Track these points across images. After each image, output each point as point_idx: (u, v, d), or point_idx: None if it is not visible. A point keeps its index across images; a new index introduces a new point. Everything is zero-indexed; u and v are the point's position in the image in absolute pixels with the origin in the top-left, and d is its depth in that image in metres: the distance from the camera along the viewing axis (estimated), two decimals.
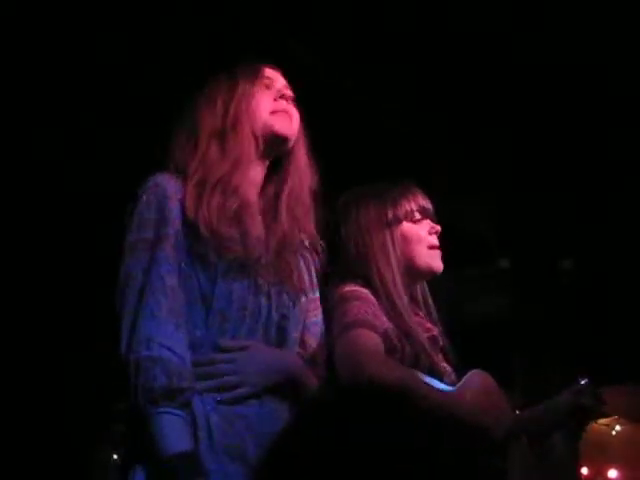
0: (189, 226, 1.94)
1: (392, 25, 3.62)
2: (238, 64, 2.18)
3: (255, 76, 2.13)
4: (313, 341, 2.15)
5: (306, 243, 2.16)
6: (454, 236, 2.56)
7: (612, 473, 7.06)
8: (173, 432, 1.78)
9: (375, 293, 2.36)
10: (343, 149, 3.73)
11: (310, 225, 2.16)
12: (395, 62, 3.81)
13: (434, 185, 2.60)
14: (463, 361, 2.45)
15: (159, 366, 1.79)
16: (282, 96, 2.12)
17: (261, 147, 2.08)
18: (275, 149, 2.12)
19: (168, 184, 1.97)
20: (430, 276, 2.49)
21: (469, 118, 4.22)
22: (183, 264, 1.92)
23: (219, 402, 1.88)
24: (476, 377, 2.36)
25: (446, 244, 2.51)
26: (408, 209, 2.46)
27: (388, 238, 2.43)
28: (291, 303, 2.05)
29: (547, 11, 3.53)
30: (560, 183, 4.75)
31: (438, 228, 2.49)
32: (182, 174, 2.01)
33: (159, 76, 3.69)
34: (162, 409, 1.78)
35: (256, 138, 2.07)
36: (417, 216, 2.47)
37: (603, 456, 7.06)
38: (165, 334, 1.83)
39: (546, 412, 2.38)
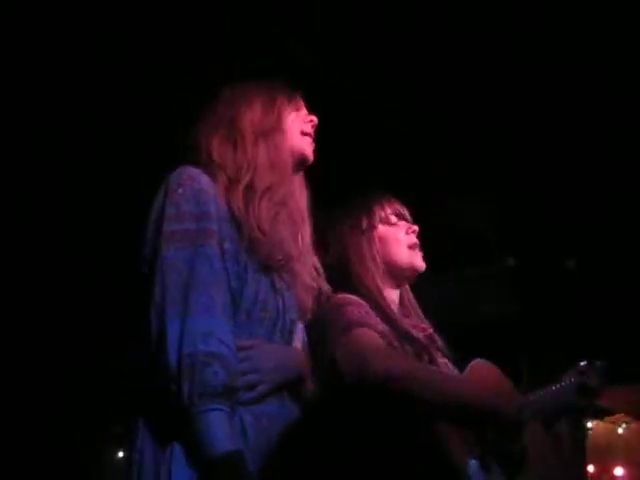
0: (225, 223, 1.94)
1: (392, 25, 3.62)
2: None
3: (291, 95, 2.20)
4: (298, 343, 2.13)
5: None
6: (455, 236, 2.56)
7: (618, 471, 7.07)
8: (226, 430, 1.75)
9: (365, 300, 2.38)
10: (343, 149, 3.73)
11: (310, 243, 2.19)
12: (395, 62, 3.81)
13: (434, 185, 2.60)
14: (466, 361, 2.45)
15: (219, 362, 1.75)
16: (310, 121, 2.20)
17: (293, 162, 2.15)
18: (297, 168, 2.18)
19: (202, 179, 1.97)
20: (413, 275, 2.53)
21: (469, 118, 4.21)
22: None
23: (245, 402, 1.86)
24: (479, 365, 2.38)
25: (447, 244, 2.52)
26: (382, 214, 2.52)
27: (365, 245, 2.47)
28: (297, 308, 2.08)
29: (547, 11, 3.52)
30: (562, 182, 4.74)
31: (415, 228, 2.54)
32: (218, 169, 2.02)
33: (159, 76, 3.69)
34: (217, 406, 1.74)
35: (293, 152, 2.14)
36: (393, 219, 2.52)
37: (609, 454, 7.07)
38: (222, 330, 1.81)
39: (553, 393, 2.39)
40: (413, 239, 2.52)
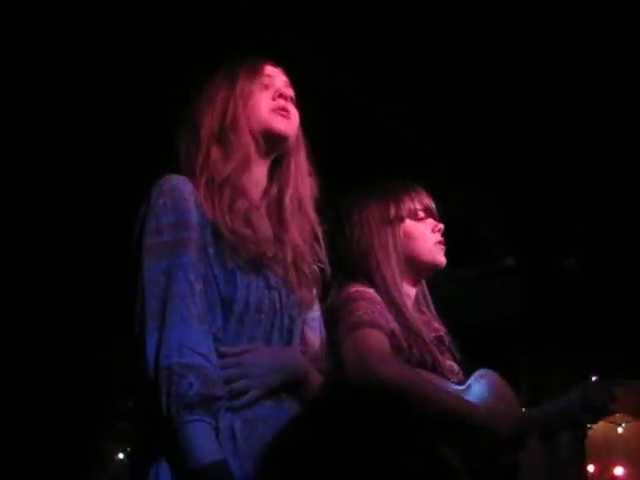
0: (207, 228, 1.93)
1: (392, 25, 3.61)
2: (238, 61, 2.18)
3: (254, 74, 2.13)
4: (312, 335, 2.15)
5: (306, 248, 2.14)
6: (456, 235, 2.55)
7: (618, 470, 7.04)
8: (207, 441, 1.74)
9: (378, 292, 2.36)
10: (343, 149, 3.73)
11: (310, 234, 2.14)
12: (395, 62, 3.80)
13: (434, 185, 2.59)
14: (467, 361, 2.45)
15: (194, 373, 1.75)
16: (281, 95, 2.12)
17: (262, 146, 2.08)
18: (275, 148, 2.11)
19: (183, 186, 1.95)
20: (433, 270, 2.51)
21: (469, 118, 4.21)
22: (204, 268, 1.90)
23: (237, 408, 1.86)
24: (485, 377, 2.38)
25: (447, 244, 2.51)
26: (411, 207, 2.48)
27: (390, 236, 2.44)
28: (296, 304, 2.06)
29: (547, 11, 3.52)
30: (563, 182, 4.74)
31: (441, 226, 2.51)
32: (192, 176, 2.00)
33: (158, 76, 3.69)
34: (196, 417, 1.74)
35: (256, 137, 2.07)
36: (420, 214, 2.49)
37: (609, 454, 7.04)
38: (197, 341, 1.79)
39: (559, 410, 2.37)
40: (438, 237, 2.49)
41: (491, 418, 2.24)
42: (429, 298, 2.55)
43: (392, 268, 2.40)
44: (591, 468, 6.63)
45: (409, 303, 2.44)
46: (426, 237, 2.47)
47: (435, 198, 2.56)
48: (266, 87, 2.12)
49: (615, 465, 7.06)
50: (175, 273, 1.85)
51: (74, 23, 3.53)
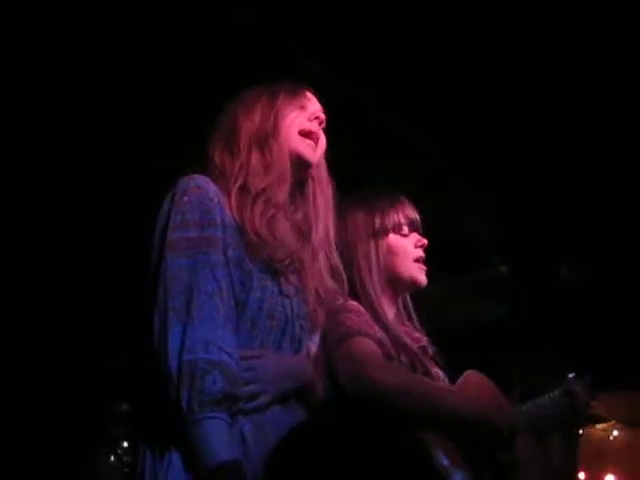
0: (229, 229, 1.96)
1: (391, 25, 3.63)
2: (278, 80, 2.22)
3: (294, 94, 2.17)
4: (314, 349, 2.17)
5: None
6: (453, 240, 2.56)
7: (609, 478, 7.05)
8: (224, 439, 1.74)
9: (361, 302, 2.38)
10: (342, 148, 3.73)
11: (331, 263, 2.17)
12: (395, 61, 3.82)
13: (434, 189, 2.61)
14: (461, 365, 2.47)
15: (219, 370, 1.76)
16: (316, 118, 2.16)
17: (293, 164, 2.11)
18: (299, 171, 2.14)
19: (209, 187, 1.98)
20: (414, 289, 2.52)
21: (470, 119, 4.22)
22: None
23: (248, 411, 1.86)
24: (472, 377, 2.39)
25: (445, 248, 2.52)
26: (396, 221, 2.48)
27: (372, 248, 2.45)
28: (307, 317, 2.08)
29: (548, 10, 3.53)
30: (560, 187, 4.75)
31: (425, 242, 2.51)
32: (221, 178, 2.03)
33: (165, 86, 3.70)
34: (217, 414, 1.75)
35: (290, 154, 2.10)
36: (405, 230, 2.49)
37: (600, 461, 7.06)
38: (224, 338, 1.81)
39: (545, 407, 2.39)
40: (420, 253, 2.49)
41: (487, 411, 2.26)
42: (410, 309, 2.56)
43: (373, 280, 2.41)
44: (582, 476, 6.64)
45: (390, 314, 2.45)
46: (407, 253, 2.47)
47: (434, 202, 2.58)
48: (303, 108, 2.16)
49: (606, 473, 7.07)
50: (202, 270, 1.86)
51: (75, 24, 3.54)
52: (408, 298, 2.57)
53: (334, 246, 2.19)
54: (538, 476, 2.50)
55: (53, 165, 4.22)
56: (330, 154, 2.24)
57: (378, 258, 2.44)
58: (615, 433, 7.11)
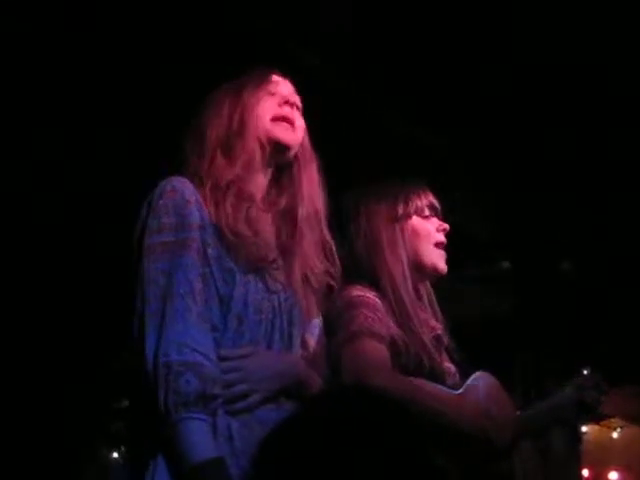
0: (207, 229, 1.95)
1: (391, 25, 3.63)
2: (245, 70, 2.20)
3: (261, 82, 2.15)
4: (313, 341, 2.15)
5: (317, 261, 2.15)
6: (454, 236, 2.56)
7: (613, 475, 7.06)
8: (203, 438, 1.75)
9: (382, 292, 2.36)
10: (341, 147, 3.73)
11: (322, 248, 2.16)
12: (394, 61, 3.81)
13: (433, 186, 2.61)
14: (465, 362, 2.45)
15: (192, 371, 1.76)
16: (286, 102, 2.14)
17: (266, 153, 2.09)
18: (278, 157, 2.13)
19: (185, 188, 1.98)
20: (434, 276, 2.51)
21: (468, 122, 4.22)
22: (203, 267, 1.92)
23: (237, 412, 1.87)
24: (481, 380, 2.36)
25: (446, 244, 2.52)
26: (419, 205, 2.48)
27: (398, 232, 2.44)
28: (296, 308, 2.07)
29: (547, 9, 3.53)
30: (560, 183, 4.74)
31: (446, 226, 2.51)
32: (195, 179, 2.02)
33: (162, 81, 3.69)
34: (193, 414, 1.75)
35: (261, 144, 2.08)
36: (427, 212, 2.49)
37: (604, 458, 7.06)
38: (197, 339, 1.81)
39: (552, 409, 2.39)
40: (442, 237, 2.50)
41: (489, 425, 2.24)
42: (432, 297, 2.54)
43: (401, 265, 2.39)
44: (586, 473, 6.63)
45: (413, 301, 2.42)
46: (430, 235, 2.47)
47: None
48: (272, 94, 2.14)
49: (610, 470, 7.07)
50: (175, 273, 1.87)
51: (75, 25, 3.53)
52: (430, 289, 2.55)
53: (325, 223, 2.17)
54: (537, 477, 2.49)
55: (53, 165, 4.22)
56: (330, 153, 2.23)
57: (404, 242, 2.43)
58: (618, 430, 7.11)
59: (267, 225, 2.07)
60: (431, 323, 2.46)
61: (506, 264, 5.67)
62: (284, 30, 3.57)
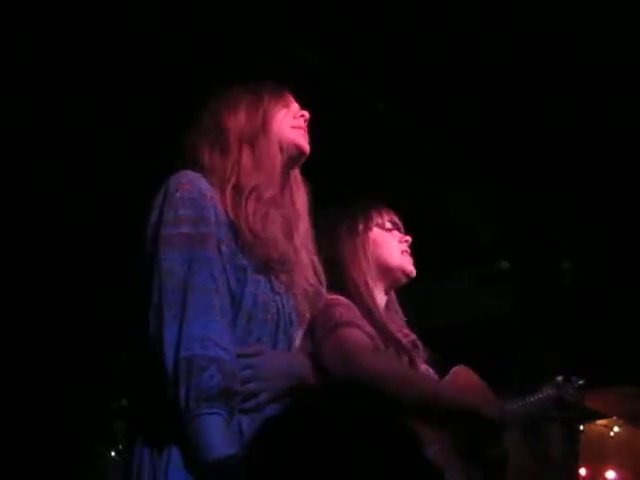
0: (222, 227, 1.97)
1: (391, 25, 3.63)
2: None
3: (279, 92, 2.24)
4: (297, 342, 2.17)
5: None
6: (453, 236, 2.59)
7: (610, 474, 7.07)
8: (224, 434, 1.75)
9: (352, 301, 2.43)
10: (341, 147, 3.74)
11: (313, 260, 2.21)
12: (394, 61, 3.81)
13: (432, 185, 2.63)
14: (460, 362, 2.47)
15: (215, 366, 1.76)
16: (302, 115, 2.23)
17: (284, 160, 2.16)
18: (290, 164, 2.20)
19: (200, 183, 1.99)
20: (404, 279, 2.60)
21: (469, 118, 4.22)
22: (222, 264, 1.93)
23: (246, 410, 1.87)
24: (460, 371, 2.44)
25: (445, 245, 2.55)
26: (379, 220, 2.61)
27: (359, 244, 2.54)
28: (294, 312, 2.10)
29: (548, 8, 3.53)
30: (560, 183, 4.75)
31: (408, 238, 2.64)
32: (210, 175, 2.04)
33: (161, 78, 3.69)
34: (215, 410, 1.75)
35: (281, 149, 2.15)
36: (388, 226, 2.61)
37: (601, 457, 7.08)
38: (220, 334, 1.81)
39: (531, 404, 2.45)
40: (405, 247, 2.60)
41: (477, 401, 2.32)
42: (398, 307, 2.64)
43: (365, 277, 2.48)
44: (583, 471, 6.65)
45: (381, 311, 2.51)
46: (392, 245, 2.58)
47: (434, 200, 2.62)
48: (287, 107, 2.22)
49: (607, 469, 7.09)
50: (197, 266, 1.86)
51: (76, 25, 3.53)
52: (395, 300, 2.64)
53: (313, 246, 2.22)
54: (534, 475, 2.55)
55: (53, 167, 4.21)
56: (328, 154, 2.27)
57: (365, 251, 2.53)
58: (616, 429, 7.13)
59: (279, 230, 2.09)
60: (404, 330, 2.55)
61: (506, 264, 5.67)
62: (284, 30, 3.57)
